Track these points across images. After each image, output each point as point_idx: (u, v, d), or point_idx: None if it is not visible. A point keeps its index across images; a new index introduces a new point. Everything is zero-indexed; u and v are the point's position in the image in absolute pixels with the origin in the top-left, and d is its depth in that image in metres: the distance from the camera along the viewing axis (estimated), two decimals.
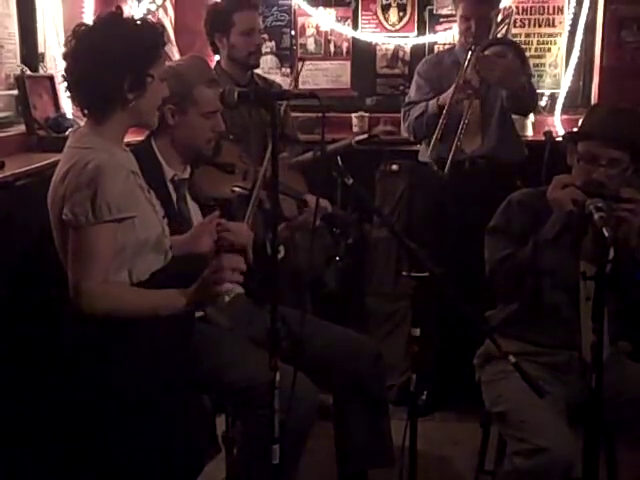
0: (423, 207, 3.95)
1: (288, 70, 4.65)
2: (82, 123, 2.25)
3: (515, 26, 4.56)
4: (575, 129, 2.66)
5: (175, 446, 2.15)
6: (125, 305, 2.04)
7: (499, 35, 3.66)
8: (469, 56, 3.49)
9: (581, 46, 4.45)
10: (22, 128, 3.47)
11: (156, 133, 2.58)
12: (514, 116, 3.83)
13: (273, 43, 4.63)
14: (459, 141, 3.48)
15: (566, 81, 4.51)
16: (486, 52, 3.47)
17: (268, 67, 4.55)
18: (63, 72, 2.12)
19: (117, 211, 1.99)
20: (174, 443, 2.14)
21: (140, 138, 2.67)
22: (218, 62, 3.61)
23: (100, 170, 1.97)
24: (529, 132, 4.34)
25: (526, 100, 3.65)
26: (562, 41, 4.55)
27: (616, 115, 2.53)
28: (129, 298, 2.06)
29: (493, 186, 3.46)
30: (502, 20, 3.65)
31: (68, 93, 2.14)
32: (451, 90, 3.49)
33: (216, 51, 3.57)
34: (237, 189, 2.83)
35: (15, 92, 3.53)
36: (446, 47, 4.46)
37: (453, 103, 3.47)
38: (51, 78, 3.70)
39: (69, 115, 3.60)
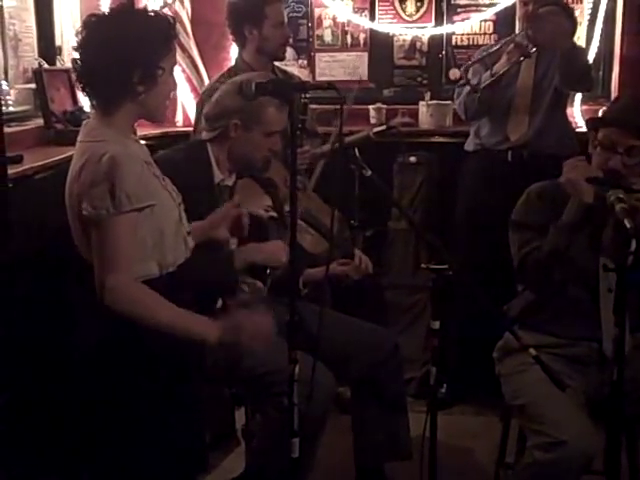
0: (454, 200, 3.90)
1: (305, 62, 4.63)
2: None
3: None
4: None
5: (187, 441, 2.14)
6: (147, 312, 1.96)
7: None
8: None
9: (601, 36, 4.38)
10: (40, 122, 3.48)
11: (214, 139, 2.62)
12: None
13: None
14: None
15: None
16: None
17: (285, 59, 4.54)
18: (73, 63, 2.10)
19: (136, 200, 1.97)
20: (187, 437, 2.14)
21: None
22: (240, 54, 3.59)
23: (115, 161, 1.95)
24: None
25: (580, 68, 3.49)
26: (582, 31, 4.47)
27: (638, 104, 2.51)
28: (155, 308, 1.98)
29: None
30: None
31: (78, 84, 2.11)
32: (504, 58, 3.44)
33: (241, 43, 3.55)
34: (270, 212, 2.83)
35: (33, 86, 3.54)
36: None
37: (507, 68, 3.42)
38: (68, 71, 3.70)
39: (86, 108, 3.61)
